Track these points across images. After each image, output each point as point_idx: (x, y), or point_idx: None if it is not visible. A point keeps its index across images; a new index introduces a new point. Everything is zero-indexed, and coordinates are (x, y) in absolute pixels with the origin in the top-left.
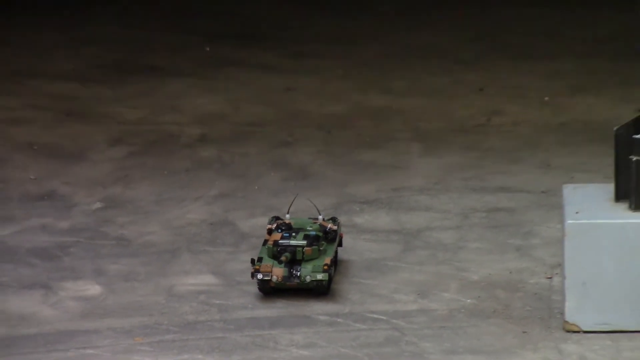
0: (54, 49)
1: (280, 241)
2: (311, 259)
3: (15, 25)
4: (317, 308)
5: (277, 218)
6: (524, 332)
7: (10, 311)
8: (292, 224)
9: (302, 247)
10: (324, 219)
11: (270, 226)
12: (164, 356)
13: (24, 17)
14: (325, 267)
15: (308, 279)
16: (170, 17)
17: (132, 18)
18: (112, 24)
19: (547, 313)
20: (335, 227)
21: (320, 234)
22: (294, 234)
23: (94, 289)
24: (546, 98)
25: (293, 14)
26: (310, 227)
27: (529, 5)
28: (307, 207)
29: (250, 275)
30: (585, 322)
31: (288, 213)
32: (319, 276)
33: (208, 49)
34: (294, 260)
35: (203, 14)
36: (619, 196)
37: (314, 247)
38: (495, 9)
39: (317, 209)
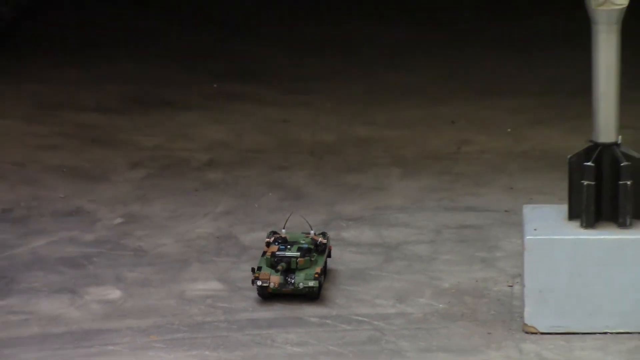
0: (79, 84)
1: (277, 253)
2: (304, 268)
3: (45, 64)
4: (308, 311)
5: (274, 232)
6: (488, 333)
7: (42, 313)
8: (288, 237)
9: (296, 258)
10: (315, 234)
11: (268, 240)
12: (175, 352)
13: (53, 57)
14: (316, 275)
15: (301, 285)
16: (182, 58)
17: (148, 58)
18: (130, 62)
19: (508, 316)
20: (324, 241)
21: (312, 246)
22: (289, 246)
23: (114, 293)
24: (509, 129)
25: (288, 57)
26: (303, 240)
27: (494, 49)
28: (300, 223)
29: (250, 282)
30: (542, 324)
31: (284, 228)
32: (311, 283)
33: (215, 85)
34: (288, 269)
35: (211, 56)
36: (572, 215)
37: (306, 258)
38: (465, 52)
39: (309, 225)
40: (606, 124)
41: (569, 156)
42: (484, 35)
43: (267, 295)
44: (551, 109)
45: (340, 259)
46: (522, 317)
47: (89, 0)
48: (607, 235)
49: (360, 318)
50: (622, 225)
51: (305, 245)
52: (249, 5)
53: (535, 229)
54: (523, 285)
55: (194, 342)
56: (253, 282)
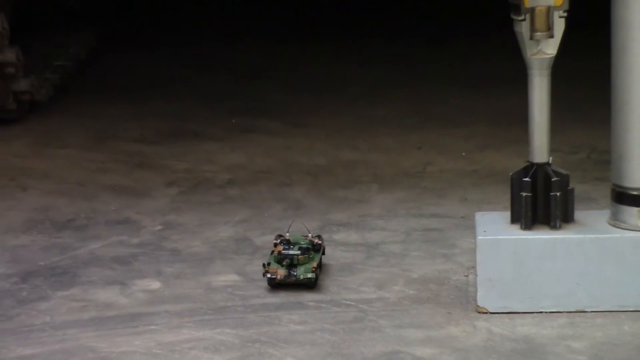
0: (126, 120)
1: (282, 251)
2: (304, 264)
3: (98, 104)
4: (307, 297)
5: (280, 236)
6: (449, 312)
7: (98, 300)
8: (290, 239)
9: (298, 255)
10: (312, 236)
11: (275, 241)
12: (203, 330)
13: (104, 97)
14: (313, 269)
15: (301, 277)
16: (206, 98)
17: (179, 98)
18: (165, 102)
19: (465, 300)
20: (320, 242)
21: (310, 246)
22: (291, 246)
23: (155, 284)
24: (463, 153)
25: (289, 96)
26: (303, 241)
27: (453, 87)
28: (300, 228)
29: (262, 274)
30: (491, 306)
31: (287, 232)
32: (309, 275)
33: (234, 121)
34: (291, 264)
35: (229, 97)
36: (514, 220)
37: (305, 255)
38: (429, 90)
39: (308, 229)
40: (540, 148)
41: (510, 173)
42: (446, 75)
43: (275, 285)
44: (497, 136)
45: (332, 256)
46: (475, 300)
47: (131, 52)
48: (541, 235)
49: (348, 302)
50: (553, 227)
51: (305, 245)
52: (257, 53)
53: (485, 231)
54: (476, 275)
55: (217, 322)
56: (264, 274)
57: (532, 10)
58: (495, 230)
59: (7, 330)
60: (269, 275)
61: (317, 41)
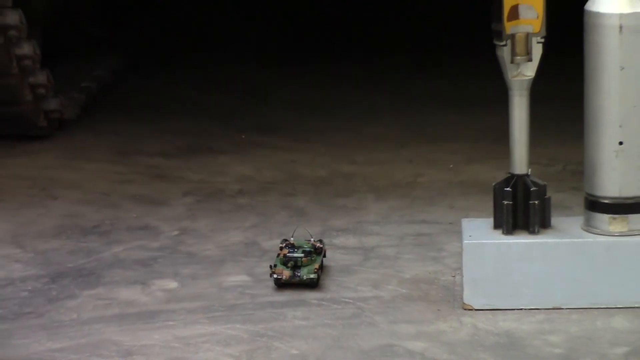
0: (146, 136)
1: (287, 254)
2: (307, 265)
3: (121, 122)
4: (310, 295)
5: (285, 240)
6: (438, 309)
7: (121, 298)
8: (295, 243)
9: (301, 258)
10: (314, 240)
11: (281, 245)
12: (216, 326)
13: (126, 116)
14: (315, 270)
15: (305, 277)
16: (219, 117)
17: (194, 117)
18: (182, 120)
19: (452, 298)
20: (321, 245)
21: (312, 249)
22: (296, 250)
23: (172, 284)
24: (451, 166)
25: (294, 116)
26: (306, 245)
27: (441, 107)
28: (303, 233)
29: (269, 275)
30: (476, 303)
31: (292, 237)
32: (312, 275)
33: (243, 136)
34: (296, 266)
35: (239, 115)
36: (496, 226)
37: (308, 258)
38: (420, 110)
39: (310, 234)
40: (520, 161)
41: (493, 184)
42: (435, 96)
43: (281, 285)
44: (481, 151)
45: (332, 258)
46: (461, 298)
47: (151, 75)
48: (521, 240)
49: (346, 300)
50: (532, 232)
51: (308, 249)
52: (264, 77)
53: (470, 236)
54: (462, 276)
55: (229, 318)
56: (270, 275)
57: (512, 37)
58: (479, 235)
59: (38, 326)
60: (275, 276)
61: (318, 65)
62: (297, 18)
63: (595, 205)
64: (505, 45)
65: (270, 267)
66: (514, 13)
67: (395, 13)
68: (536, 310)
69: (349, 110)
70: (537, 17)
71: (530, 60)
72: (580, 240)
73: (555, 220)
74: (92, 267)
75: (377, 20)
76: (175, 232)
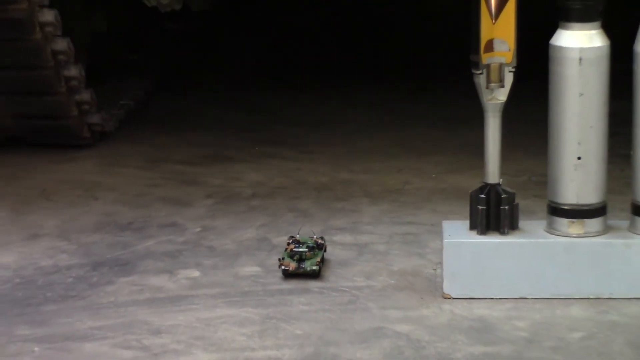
0: (174, 147)
1: (293, 249)
2: (310, 258)
3: (151, 133)
4: (313, 284)
5: (292, 237)
6: (421, 298)
7: (151, 285)
8: (300, 240)
9: (305, 252)
10: (316, 237)
11: (288, 241)
12: (232, 309)
13: (156, 129)
14: (317, 263)
15: (308, 269)
16: (236, 131)
17: (215, 131)
18: (204, 134)
19: (434, 288)
20: (322, 242)
21: (315, 245)
22: (300, 245)
23: (195, 273)
24: (434, 175)
25: (300, 132)
26: (309, 241)
27: (426, 124)
28: (307, 231)
29: (278, 267)
30: (454, 293)
31: (298, 234)
32: (314, 267)
33: (257, 148)
34: (301, 259)
35: (253, 130)
36: (472, 227)
37: (311, 252)
38: (408, 127)
39: (313, 232)
40: (492, 172)
41: (470, 191)
42: (422, 115)
43: (288, 275)
44: (460, 162)
45: (332, 253)
46: (442, 288)
47: (179, 95)
48: (493, 239)
49: (343, 289)
50: (502, 233)
51: (311, 244)
52: (275, 98)
53: (449, 235)
54: (442, 269)
55: (243, 303)
56: (279, 266)
57: (488, 66)
58: (457, 235)
59: (81, 308)
60: (283, 267)
61: (321, 90)
62: (305, 47)
63: (556, 210)
64: (481, 73)
65: (279, 259)
66: (489, 46)
67: (388, 45)
68: (505, 300)
69: (347, 127)
70: (509, 50)
71: (502, 86)
72: (543, 240)
73: (522, 223)
74: (127, 258)
75: (373, 52)
76: (198, 229)
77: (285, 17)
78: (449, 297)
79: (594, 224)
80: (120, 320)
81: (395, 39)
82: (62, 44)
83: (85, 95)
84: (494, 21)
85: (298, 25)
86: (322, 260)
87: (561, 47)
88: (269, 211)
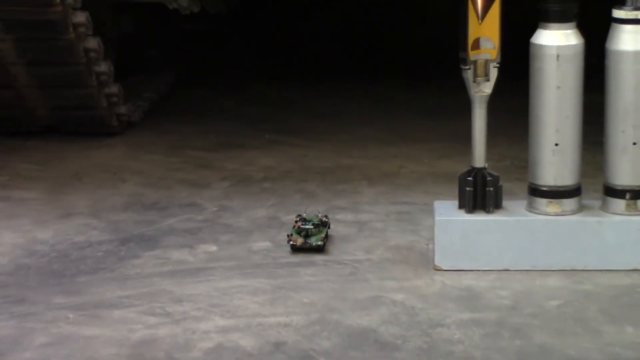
0: (194, 135)
1: (300, 226)
2: (315, 235)
3: (173, 123)
4: (318, 258)
5: (299, 215)
6: (415, 270)
7: (173, 259)
8: (306, 218)
9: (311, 228)
10: (321, 216)
11: (296, 219)
12: (246, 280)
13: (177, 119)
14: (322, 238)
15: (314, 244)
16: (249, 122)
17: (230, 121)
18: (220, 124)
19: (426, 261)
20: (327, 220)
21: (320, 222)
22: (307, 222)
23: (212, 248)
24: (426, 160)
25: (306, 122)
26: (315, 219)
27: (419, 115)
28: (313, 210)
29: (286, 242)
30: (445, 265)
31: (304, 213)
32: (319, 242)
33: (267, 136)
34: (307, 235)
35: (265, 121)
36: (460, 207)
37: (317, 229)
38: (401, 117)
39: (318, 211)
40: (479, 157)
41: (459, 174)
42: (416, 107)
43: (295, 249)
44: (450, 149)
45: (335, 229)
46: (433, 261)
47: (198, 88)
48: (479, 217)
49: (345, 262)
50: (488, 212)
51: (316, 222)
52: (284, 92)
53: (440, 214)
54: (434, 244)
55: (256, 274)
56: (288, 242)
57: (475, 62)
58: (447, 214)
59: (111, 279)
60: (291, 243)
61: (324, 84)
62: (310, 47)
63: (536, 191)
64: (469, 69)
65: (288, 235)
66: (476, 44)
67: (384, 45)
68: (490, 271)
69: (348, 117)
70: (494, 47)
71: (488, 80)
72: (524, 218)
73: (505, 203)
74: (152, 234)
75: (371, 51)
76: (215, 209)
77: (293, 20)
78: (439, 269)
79: (570, 203)
80: (145, 290)
81: (391, 40)
82: (93, 43)
83: (114, 89)
84: (480, 21)
85: (304, 27)
86: (326, 236)
87: (541, 45)
88: (279, 192)
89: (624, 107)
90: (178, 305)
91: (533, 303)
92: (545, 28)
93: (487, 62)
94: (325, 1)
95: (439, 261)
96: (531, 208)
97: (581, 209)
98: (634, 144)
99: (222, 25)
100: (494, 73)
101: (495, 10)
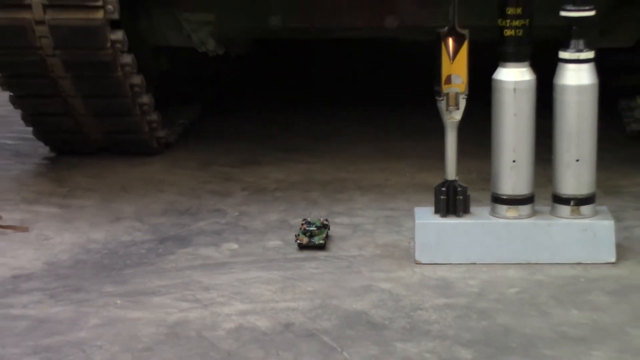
0: (220, 154)
1: (306, 228)
2: (318, 235)
3: (204, 144)
4: (320, 254)
5: (305, 219)
6: (399, 263)
7: (202, 255)
8: (310, 221)
9: (315, 230)
10: (323, 219)
11: (302, 222)
12: (261, 272)
13: (208, 141)
14: (324, 238)
15: (317, 242)
16: (265, 142)
17: (250, 142)
18: (242, 143)
19: (408, 256)
20: (327, 222)
21: (322, 225)
22: (311, 225)
23: (234, 246)
24: (407, 174)
25: (310, 142)
26: (318, 222)
27: (403, 136)
28: (316, 215)
29: (294, 241)
30: (424, 259)
31: (309, 217)
32: (321, 241)
33: (279, 154)
34: (311, 235)
35: (278, 141)
36: (436, 212)
37: (319, 230)
38: (389, 139)
39: (320, 216)
40: (451, 171)
41: (435, 185)
42: (401, 128)
43: (302, 247)
44: (428, 164)
45: (333, 231)
46: (414, 256)
47: (224, 116)
48: (451, 221)
49: (342, 257)
50: (458, 216)
51: (319, 225)
52: (293, 117)
53: (420, 217)
54: (414, 243)
55: (269, 267)
56: (295, 241)
57: (447, 94)
58: (426, 218)
59: (150, 272)
60: (298, 241)
61: (325, 111)
62: (314, 81)
63: (497, 199)
64: (442, 99)
65: (295, 235)
66: (448, 79)
67: (377, 77)
68: (460, 265)
69: (345, 138)
70: (463, 82)
71: (458, 109)
72: (488, 221)
73: (473, 208)
74: (185, 235)
75: (365, 81)
76: (236, 214)
77: (300, 60)
78: (419, 263)
79: (525, 209)
80: (179, 280)
81: (381, 75)
82: (137, 79)
83: (154, 116)
84: (451, 61)
85: (308, 65)
86: (327, 236)
87: (500, 80)
88: (288, 200)
89: (568, 131)
90: (206, 293)
91: (496, 290)
92: (504, 66)
93: (457, 94)
94: (326, 45)
95: (418, 256)
96: (494, 213)
97: (534, 213)
98: (577, 160)
99: (242, 65)
100: (462, 103)
101: (464, 52)
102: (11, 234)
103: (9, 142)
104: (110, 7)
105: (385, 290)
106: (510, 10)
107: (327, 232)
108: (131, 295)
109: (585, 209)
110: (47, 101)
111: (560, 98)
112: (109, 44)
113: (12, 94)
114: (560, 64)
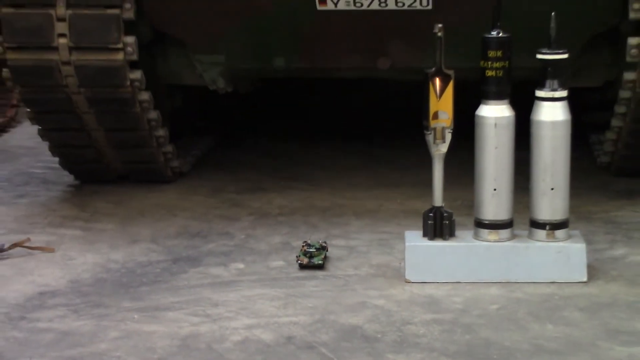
0: (228, 182)
1: (306, 249)
2: (317, 256)
3: (214, 174)
4: (319, 273)
5: (305, 241)
6: (391, 282)
7: (212, 275)
8: (310, 243)
9: (314, 251)
10: (321, 242)
11: (303, 244)
12: (265, 289)
13: (217, 171)
14: (322, 259)
15: (316, 262)
16: (269, 172)
17: (255, 171)
18: (249, 173)
19: (399, 275)
20: (325, 244)
21: (321, 247)
22: (311, 246)
23: (241, 265)
24: (399, 200)
25: (309, 171)
26: (317, 244)
27: (395, 167)
28: (316, 238)
29: (296, 261)
30: (413, 279)
31: (309, 239)
32: (320, 262)
33: (282, 183)
34: (311, 256)
35: (280, 171)
36: (424, 235)
37: (318, 251)
38: (380, 169)
39: (319, 239)
40: (438, 198)
41: (423, 211)
42: (392, 160)
43: (302, 267)
44: (418, 192)
45: (331, 252)
46: (405, 276)
47: (232, 148)
48: (438, 243)
49: (339, 276)
50: (445, 239)
51: (318, 246)
52: (294, 149)
53: (410, 240)
54: (405, 263)
55: (273, 285)
56: (297, 261)
57: (434, 129)
58: (415, 240)
59: (165, 289)
60: (299, 262)
61: (324, 143)
62: (314, 116)
63: (480, 224)
64: (430, 133)
65: (297, 256)
66: (436, 115)
67: (371, 112)
68: (446, 283)
69: (341, 168)
70: (449, 117)
71: (444, 142)
72: (471, 244)
73: (458, 232)
74: (196, 255)
75: (361, 116)
76: (243, 236)
77: (301, 97)
78: (409, 281)
79: (505, 233)
80: (191, 297)
81: (375, 111)
82: (153, 114)
83: (169, 148)
84: (438, 99)
85: (309, 102)
86: (325, 257)
87: (483, 116)
88: (290, 224)
89: (544, 162)
90: (215, 309)
91: (478, 307)
92: (485, 104)
93: (443, 129)
94: (326, 84)
95: (408, 275)
96: (477, 236)
97: (513, 237)
98: (552, 189)
99: (249, 101)
100: (448, 137)
101: (450, 91)
102: (38, 254)
103: (38, 171)
104: (129, 49)
105: (378, 307)
106: (491, 53)
107: (326, 254)
108: (147, 311)
109: (559, 232)
110: (72, 134)
111: (536, 132)
112: (128, 83)
113: (40, 127)
114: (537, 102)
